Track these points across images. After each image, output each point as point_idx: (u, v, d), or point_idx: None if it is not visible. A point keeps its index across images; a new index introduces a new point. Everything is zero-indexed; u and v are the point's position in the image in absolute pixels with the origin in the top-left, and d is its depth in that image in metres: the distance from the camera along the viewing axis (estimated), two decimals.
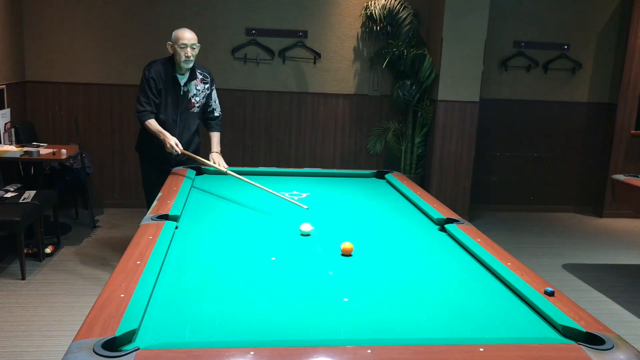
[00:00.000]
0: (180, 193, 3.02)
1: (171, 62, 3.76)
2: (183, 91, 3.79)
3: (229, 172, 3.53)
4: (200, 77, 3.86)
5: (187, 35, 3.66)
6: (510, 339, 1.60)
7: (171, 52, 3.73)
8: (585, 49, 6.25)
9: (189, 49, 3.65)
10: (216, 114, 4.02)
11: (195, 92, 3.85)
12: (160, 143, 3.72)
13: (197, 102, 3.89)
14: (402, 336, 1.61)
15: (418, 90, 5.68)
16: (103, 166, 5.89)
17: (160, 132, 3.72)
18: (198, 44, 3.74)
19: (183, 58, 3.66)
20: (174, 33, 3.72)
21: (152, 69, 3.75)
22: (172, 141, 3.66)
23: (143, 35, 5.66)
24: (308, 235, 2.55)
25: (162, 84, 3.76)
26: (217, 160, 3.74)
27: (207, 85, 3.90)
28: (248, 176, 3.50)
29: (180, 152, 3.67)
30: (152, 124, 3.75)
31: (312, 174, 3.84)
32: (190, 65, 3.73)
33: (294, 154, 6.05)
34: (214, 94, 3.99)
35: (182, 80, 3.78)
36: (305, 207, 2.91)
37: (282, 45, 5.78)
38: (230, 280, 1.99)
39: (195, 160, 3.71)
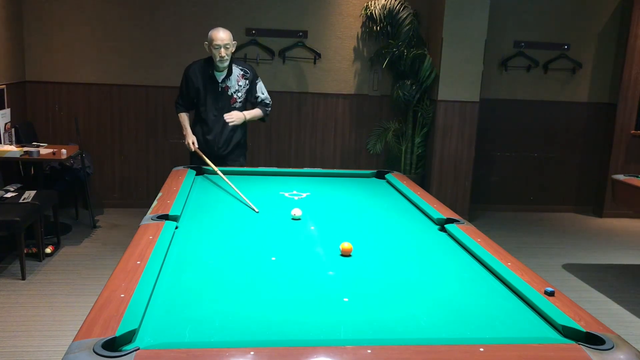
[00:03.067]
0: (180, 193, 3.02)
1: (210, 61, 3.93)
2: (221, 87, 3.94)
3: (219, 172, 3.51)
4: (241, 72, 3.98)
5: (220, 36, 3.79)
6: (510, 339, 1.60)
7: (208, 51, 3.88)
8: (585, 49, 6.25)
9: (222, 49, 3.79)
10: (267, 101, 4.12)
11: (237, 88, 3.98)
12: (200, 136, 4.04)
13: (240, 98, 4.02)
14: (402, 336, 1.61)
15: (418, 90, 5.68)
16: (103, 166, 5.89)
17: (184, 127, 4.08)
18: (234, 42, 3.88)
19: (217, 58, 3.82)
20: (208, 34, 3.86)
21: (190, 68, 4.02)
22: (189, 139, 3.99)
23: (143, 35, 5.66)
24: (299, 219, 2.70)
25: (201, 82, 3.96)
26: (233, 113, 3.89)
27: (247, 81, 4.01)
28: (245, 176, 3.57)
29: (193, 150, 3.95)
30: (181, 117, 4.12)
31: (312, 174, 3.84)
32: (226, 64, 3.87)
33: (294, 154, 6.05)
34: (260, 87, 4.07)
35: (220, 77, 3.93)
36: (257, 210, 2.87)
37: (282, 45, 5.78)
38: (230, 280, 1.99)
39: (206, 162, 3.76)
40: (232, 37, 3.86)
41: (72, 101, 5.73)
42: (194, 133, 4.06)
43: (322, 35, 5.84)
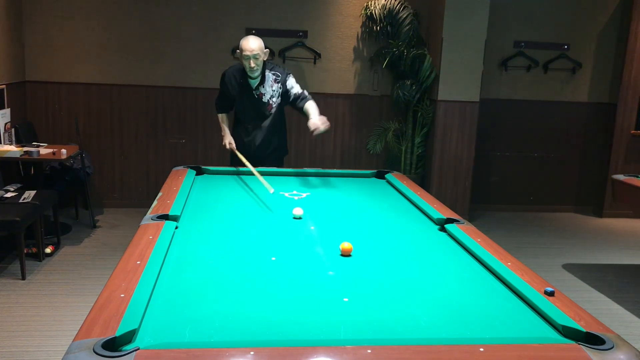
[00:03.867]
0: (180, 193, 3.02)
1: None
2: (256, 95, 3.85)
3: (255, 172, 3.50)
4: (273, 77, 3.84)
5: (249, 47, 3.65)
6: (510, 339, 1.60)
7: (239, 60, 3.78)
8: (585, 49, 6.25)
9: (251, 60, 3.65)
10: (299, 93, 3.82)
11: (271, 93, 3.85)
12: (239, 139, 4.00)
13: (275, 103, 3.90)
14: (402, 336, 1.61)
15: (418, 90, 5.68)
16: (103, 166, 5.89)
17: (222, 128, 4.08)
18: (265, 50, 3.73)
19: (247, 68, 3.71)
20: (240, 42, 3.72)
21: (227, 72, 3.97)
22: (226, 140, 3.98)
23: (143, 35, 5.66)
24: (300, 218, 2.72)
25: (237, 89, 3.89)
26: (316, 122, 3.48)
27: (279, 84, 3.86)
28: (246, 176, 3.57)
29: (229, 149, 3.95)
30: (219, 118, 4.11)
31: (312, 174, 3.84)
32: (256, 74, 3.76)
33: (294, 154, 6.05)
34: (290, 82, 3.84)
35: (254, 84, 3.84)
36: (272, 190, 3.06)
37: (282, 45, 5.78)
38: (230, 280, 1.99)
39: (242, 162, 3.71)
40: (262, 46, 3.70)
41: (72, 101, 5.74)
42: (233, 134, 4.02)
43: (322, 35, 5.84)
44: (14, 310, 3.61)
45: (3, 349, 3.16)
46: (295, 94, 3.83)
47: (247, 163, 3.62)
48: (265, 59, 3.77)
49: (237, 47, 5.62)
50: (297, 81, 5.79)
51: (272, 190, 3.13)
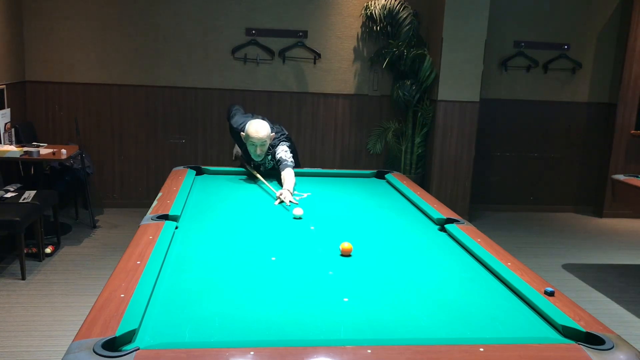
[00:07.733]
0: (180, 193, 3.02)
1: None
2: (255, 163, 3.67)
3: (260, 177, 3.48)
4: (270, 150, 3.62)
5: (257, 136, 3.40)
6: (510, 339, 1.60)
7: (244, 140, 3.54)
8: (585, 49, 6.25)
9: (258, 148, 3.45)
10: (279, 159, 3.52)
11: (268, 162, 3.69)
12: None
13: (270, 167, 3.72)
14: (402, 336, 1.61)
15: (418, 90, 5.68)
16: (103, 166, 5.89)
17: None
18: (272, 134, 3.50)
19: (252, 153, 3.51)
20: (246, 127, 3.48)
21: (232, 128, 3.76)
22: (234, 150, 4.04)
23: (143, 35, 5.66)
24: (300, 218, 2.74)
25: (241, 146, 3.72)
26: (283, 193, 3.14)
27: (273, 152, 3.60)
28: (246, 176, 3.58)
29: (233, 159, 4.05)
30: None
31: (312, 174, 3.84)
32: (261, 159, 3.56)
33: None
34: (279, 149, 3.57)
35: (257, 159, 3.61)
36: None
37: (282, 45, 5.78)
38: (230, 280, 1.99)
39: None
40: (269, 132, 3.46)
41: (72, 101, 5.73)
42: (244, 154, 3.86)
43: (322, 35, 5.84)
44: (14, 310, 3.61)
45: (3, 349, 3.16)
46: (277, 159, 3.56)
47: (258, 176, 3.54)
48: (270, 142, 3.53)
49: (237, 47, 5.70)
50: (297, 81, 5.88)
51: (276, 202, 3.06)
